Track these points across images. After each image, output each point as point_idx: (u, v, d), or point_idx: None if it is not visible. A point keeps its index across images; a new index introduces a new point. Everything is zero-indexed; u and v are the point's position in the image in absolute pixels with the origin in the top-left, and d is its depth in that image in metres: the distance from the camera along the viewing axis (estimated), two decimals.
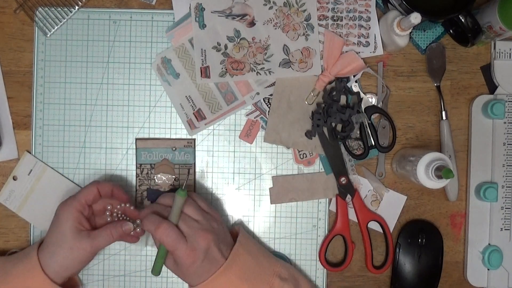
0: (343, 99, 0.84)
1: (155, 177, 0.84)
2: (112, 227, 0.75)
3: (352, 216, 0.85)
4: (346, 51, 0.84)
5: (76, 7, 0.84)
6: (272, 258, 0.79)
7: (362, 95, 0.85)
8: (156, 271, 0.75)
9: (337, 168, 0.84)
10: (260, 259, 0.77)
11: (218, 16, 0.83)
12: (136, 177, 0.85)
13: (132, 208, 0.78)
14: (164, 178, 0.84)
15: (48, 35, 0.84)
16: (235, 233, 0.80)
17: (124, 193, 0.78)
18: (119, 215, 0.78)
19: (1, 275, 0.74)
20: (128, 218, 0.78)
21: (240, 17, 0.84)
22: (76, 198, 0.75)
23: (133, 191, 0.85)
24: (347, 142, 0.84)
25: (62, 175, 0.84)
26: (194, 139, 0.85)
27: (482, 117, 0.86)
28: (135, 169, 0.85)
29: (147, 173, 0.84)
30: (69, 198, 0.76)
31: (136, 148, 0.85)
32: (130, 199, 0.79)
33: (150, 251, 0.85)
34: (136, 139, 0.85)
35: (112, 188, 0.77)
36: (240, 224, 0.85)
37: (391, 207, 0.86)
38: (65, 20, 0.84)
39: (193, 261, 0.72)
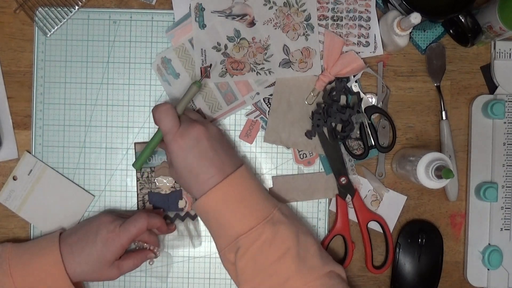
0: (343, 99, 0.84)
1: (155, 180, 0.84)
2: (136, 257, 0.78)
3: (352, 216, 0.85)
4: (346, 51, 0.84)
5: (76, 7, 0.84)
6: (274, 198, 0.78)
7: (362, 95, 0.85)
8: (138, 164, 0.77)
9: (337, 168, 0.84)
10: (262, 190, 0.76)
11: (218, 16, 0.83)
12: (137, 181, 0.84)
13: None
14: (164, 181, 0.84)
15: (48, 35, 0.84)
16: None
17: (166, 228, 0.81)
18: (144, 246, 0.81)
19: (19, 265, 0.74)
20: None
21: (240, 17, 0.84)
22: (130, 231, 0.75)
23: (134, 195, 0.85)
24: (347, 142, 0.84)
25: (62, 175, 0.84)
26: None
27: (482, 117, 0.86)
28: (135, 170, 0.85)
29: (148, 176, 0.84)
30: (123, 227, 0.75)
31: (135, 152, 0.84)
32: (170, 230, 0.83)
33: None
34: (135, 143, 0.85)
35: (160, 223, 0.79)
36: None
37: (391, 207, 0.86)
38: (65, 20, 0.84)
39: (182, 149, 0.72)
